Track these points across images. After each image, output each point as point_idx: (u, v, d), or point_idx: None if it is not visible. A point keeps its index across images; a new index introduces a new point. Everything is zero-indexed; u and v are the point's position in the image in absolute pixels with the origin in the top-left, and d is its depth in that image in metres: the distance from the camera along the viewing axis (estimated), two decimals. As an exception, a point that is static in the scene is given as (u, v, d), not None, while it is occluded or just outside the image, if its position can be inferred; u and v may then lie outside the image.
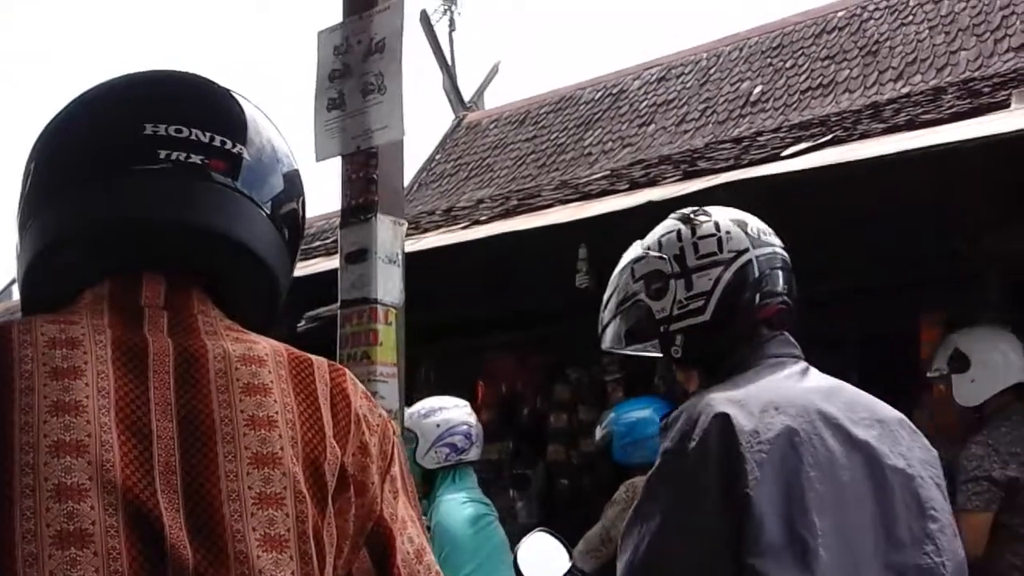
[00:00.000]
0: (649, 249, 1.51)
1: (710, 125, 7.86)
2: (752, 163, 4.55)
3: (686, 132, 7.97)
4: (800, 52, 7.98)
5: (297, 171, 0.95)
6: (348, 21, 1.95)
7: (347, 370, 0.93)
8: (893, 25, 7.50)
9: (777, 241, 1.51)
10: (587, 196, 5.37)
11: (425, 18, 10.75)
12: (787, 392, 1.36)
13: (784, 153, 4.47)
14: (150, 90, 0.91)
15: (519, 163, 9.26)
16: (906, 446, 1.39)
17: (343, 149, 1.96)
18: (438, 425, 2.78)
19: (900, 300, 4.23)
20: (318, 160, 2.00)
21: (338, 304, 2.10)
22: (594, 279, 4.22)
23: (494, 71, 11.19)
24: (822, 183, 3.78)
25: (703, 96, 8.31)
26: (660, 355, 1.54)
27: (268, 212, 0.90)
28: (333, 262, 5.34)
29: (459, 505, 2.82)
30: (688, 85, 8.59)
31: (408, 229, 6.60)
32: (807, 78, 7.63)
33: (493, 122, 10.28)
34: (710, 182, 3.89)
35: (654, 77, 9.04)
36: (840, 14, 7.99)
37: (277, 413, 0.82)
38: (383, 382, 1.79)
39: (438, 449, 2.80)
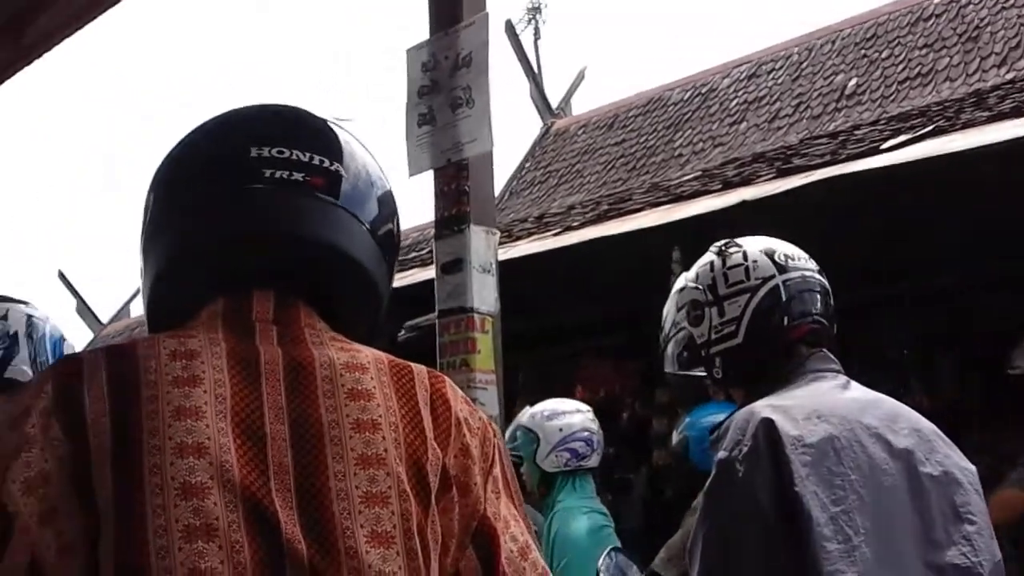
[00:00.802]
0: (688, 281, 1.65)
1: (804, 121, 7.70)
2: (850, 157, 4.44)
3: (779, 129, 7.82)
4: (896, 41, 7.73)
5: (391, 192, 1.00)
6: (435, 38, 2.01)
7: (446, 377, 0.96)
8: (994, 9, 7.20)
9: (809, 265, 1.60)
10: (679, 198, 5.32)
11: (510, 28, 10.84)
12: (829, 402, 1.46)
13: (884, 146, 4.35)
14: (254, 119, 0.98)
15: (609, 168, 9.24)
16: (943, 454, 1.49)
17: (434, 163, 2.01)
18: (560, 429, 2.79)
19: (1008, 296, 4.06)
20: (411, 175, 2.06)
21: (435, 314, 2.15)
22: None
23: (580, 77, 11.20)
24: (924, 175, 3.66)
25: (795, 91, 8.14)
26: (706, 377, 1.64)
27: (368, 227, 0.95)
28: (429, 272, 5.45)
29: (580, 514, 2.78)
30: (780, 81, 8.43)
31: (500, 237, 6.67)
32: (904, 68, 7.40)
33: (581, 128, 10.29)
34: (806, 179, 3.82)
35: (744, 74, 8.90)
36: (936, 1, 7.72)
37: (380, 417, 0.85)
38: (482, 389, 1.82)
39: (559, 453, 2.79)
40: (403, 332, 6.73)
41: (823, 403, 1.45)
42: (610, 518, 2.97)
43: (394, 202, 1.01)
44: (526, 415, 2.91)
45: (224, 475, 0.79)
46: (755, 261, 1.59)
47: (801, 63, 8.39)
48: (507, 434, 3.15)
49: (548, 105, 10.85)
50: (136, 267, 0.99)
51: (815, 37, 8.57)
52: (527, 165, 10.36)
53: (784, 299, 1.56)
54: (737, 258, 1.60)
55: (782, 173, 4.72)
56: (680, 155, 8.52)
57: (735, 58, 9.33)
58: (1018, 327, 3.76)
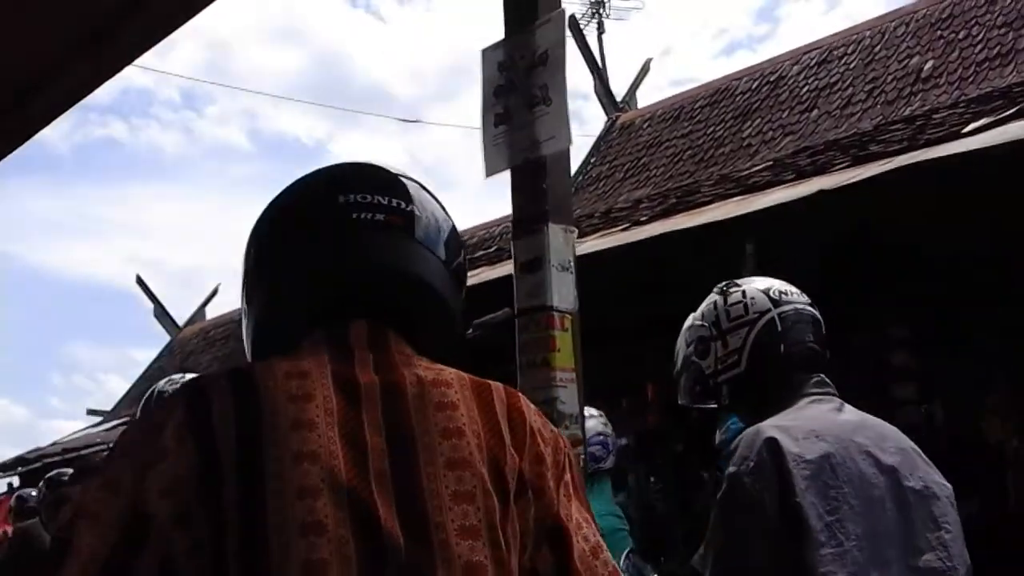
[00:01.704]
0: (695, 319, 1.85)
1: (878, 106, 7.50)
2: (929, 143, 4.31)
3: (852, 115, 7.64)
4: (973, 21, 7.48)
5: (456, 229, 1.15)
6: (511, 37, 2.00)
7: (521, 393, 1.07)
8: (1079, -18, 6.91)
9: (802, 299, 1.81)
10: (750, 189, 5.23)
11: (574, 23, 10.80)
12: (826, 423, 1.66)
13: (965, 130, 4.21)
14: (339, 172, 1.13)
15: (675, 160, 9.14)
16: (923, 471, 1.69)
17: (511, 162, 2.00)
18: None
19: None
20: (488, 175, 2.05)
21: (503, 311, 2.10)
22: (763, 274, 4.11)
23: (645, 69, 11.10)
24: (1009, 160, 3.53)
25: (868, 76, 7.93)
26: (716, 407, 1.84)
27: (443, 260, 1.09)
28: (497, 271, 5.46)
29: (598, 518, 2.84)
30: (852, 66, 8.22)
31: (568, 234, 6.66)
32: (983, 48, 7.15)
33: (647, 121, 10.19)
34: (883, 167, 3.71)
35: (814, 61, 8.71)
36: (1017, -24, 7.44)
37: (464, 425, 0.97)
38: (563, 387, 1.81)
39: None
40: (471, 330, 6.78)
41: (821, 424, 1.64)
42: (625, 521, 3.10)
43: (460, 238, 1.16)
44: None
45: (333, 479, 0.90)
46: (753, 298, 1.79)
47: (874, 47, 8.18)
48: None
49: (613, 99, 10.79)
50: (239, 308, 1.14)
51: (888, 20, 8.34)
52: (592, 160, 10.31)
53: (780, 330, 1.76)
54: (736, 296, 1.81)
55: (858, 160, 4.60)
56: (749, 145, 8.38)
57: (803, 44, 9.14)
58: None
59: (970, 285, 4.28)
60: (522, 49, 1.94)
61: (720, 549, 1.56)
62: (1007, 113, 4.25)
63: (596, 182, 9.89)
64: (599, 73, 10.78)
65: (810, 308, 1.82)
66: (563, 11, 1.92)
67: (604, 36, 11.43)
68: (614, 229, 5.85)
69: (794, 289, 1.84)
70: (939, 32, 7.67)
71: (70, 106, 3.03)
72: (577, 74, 10.64)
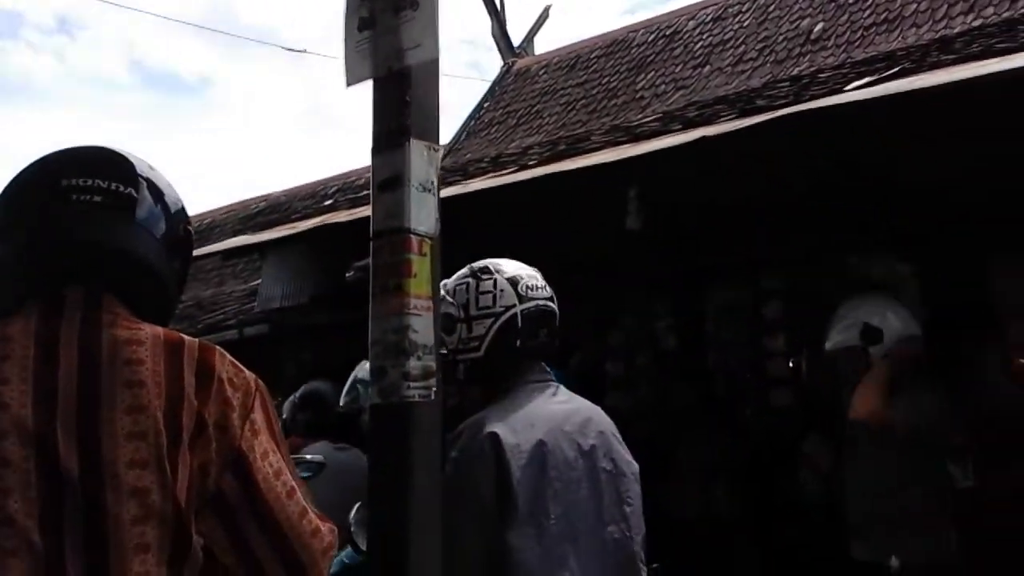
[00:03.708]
0: (447, 293, 2.00)
1: (768, 65, 7.57)
2: (813, 99, 4.32)
3: (743, 73, 7.69)
4: (864, -14, 7.60)
5: (182, 208, 1.38)
6: (377, -68, 1.82)
7: (217, 347, 1.28)
8: (964, -45, 7.08)
9: (543, 294, 2.03)
10: (638, 138, 5.18)
11: (473, -38, 10.50)
12: (540, 412, 1.92)
13: (847, 88, 4.23)
14: (66, 157, 1.31)
15: (569, 109, 9.05)
16: (617, 452, 1.99)
17: (374, 71, 1.83)
18: None
19: (969, 237, 4.00)
20: (348, 84, 1.88)
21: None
22: (645, 221, 4.07)
23: (544, 15, 10.93)
24: (887, 115, 3.56)
25: (761, 35, 7.99)
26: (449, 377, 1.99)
27: (157, 235, 1.31)
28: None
29: None
30: (746, 24, 8.27)
31: (456, 176, 6.48)
32: (871, 13, 7.28)
33: (543, 68, 10.06)
34: (768, 117, 3.69)
35: (710, 17, 8.73)
36: (907, -55, 7.58)
37: (147, 377, 1.19)
38: (417, 315, 1.67)
39: None
40: (351, 272, 6.57)
41: (536, 413, 1.91)
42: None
43: (184, 214, 1.39)
44: (363, 369, 3.07)
45: (21, 424, 1.13)
46: (502, 290, 1.99)
47: (768, 7, 8.24)
48: (346, 387, 3.13)
49: (510, 44, 10.59)
50: None
51: (783, -20, 8.40)
52: (486, 105, 10.12)
53: (520, 326, 1.98)
54: (488, 285, 2.00)
55: (744, 113, 4.59)
56: (642, 98, 8.36)
57: (701, 0, 9.14)
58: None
59: (837, 238, 4.35)
60: (387, -56, 1.77)
61: (445, 522, 1.65)
62: (890, 72, 4.30)
63: (488, 127, 9.73)
64: (497, 15, 10.55)
65: (550, 304, 2.04)
66: (433, -96, 1.75)
67: (504, -21, 11.12)
68: (502, 171, 5.73)
69: (540, 283, 2.04)
70: (831, -5, 7.77)
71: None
72: (475, 16, 10.38)
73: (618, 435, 2.04)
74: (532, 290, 2.01)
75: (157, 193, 1.33)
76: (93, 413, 1.14)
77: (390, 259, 1.71)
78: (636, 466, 2.02)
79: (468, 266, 2.06)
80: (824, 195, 4.24)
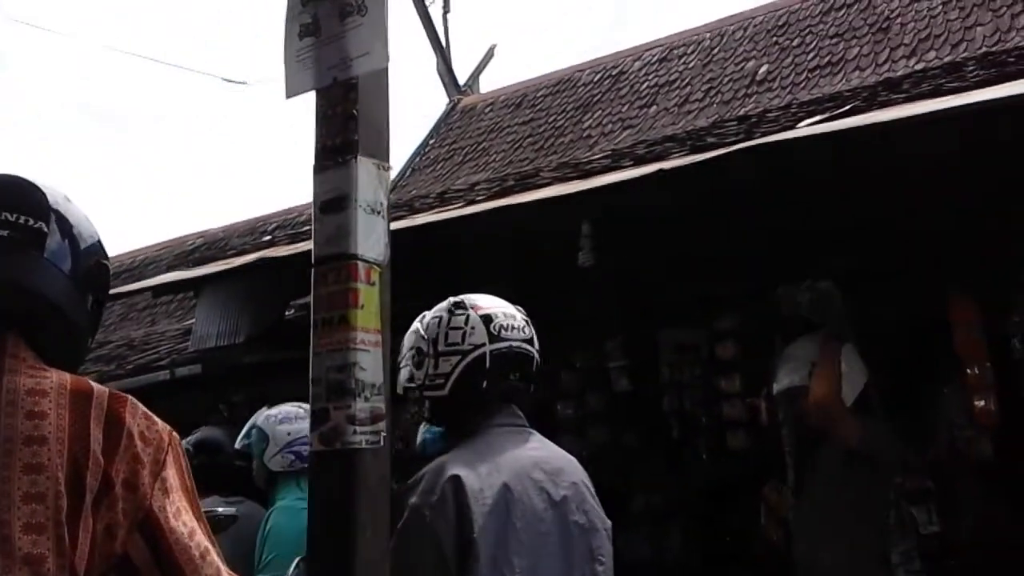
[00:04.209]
0: (421, 327, 1.94)
1: (714, 105, 7.59)
2: (765, 135, 4.27)
3: (689, 112, 7.70)
4: (807, 30, 7.70)
5: (98, 241, 1.28)
6: (322, -67, 1.66)
7: (129, 397, 1.18)
8: (904, 1, 7.22)
9: (519, 335, 1.93)
10: (589, 173, 5.08)
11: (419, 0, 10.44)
12: (507, 457, 1.81)
13: (801, 124, 4.19)
14: None
15: (516, 146, 8.98)
16: (590, 505, 1.87)
17: (317, 82, 1.66)
18: (289, 433, 2.95)
19: (927, 279, 3.94)
20: (288, 96, 1.71)
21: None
22: (598, 257, 3.94)
23: (490, 54, 10.90)
24: (840, 152, 3.50)
25: (706, 76, 8.03)
26: (415, 413, 1.98)
27: (66, 272, 1.21)
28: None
29: (297, 512, 2.68)
30: (691, 65, 8.32)
31: (401, 211, 6.30)
32: (815, 56, 7.36)
33: (489, 106, 9.99)
34: (728, 149, 3.60)
35: (655, 58, 8.76)
36: (848, -9, 7.71)
37: (49, 433, 1.10)
38: (364, 351, 1.49)
39: (285, 454, 2.94)
40: (291, 310, 6.31)
41: (503, 457, 1.80)
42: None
43: (101, 248, 1.29)
44: (262, 416, 3.05)
45: None
46: (473, 328, 1.89)
47: (713, 49, 8.30)
48: (244, 430, 3.15)
49: (456, 81, 10.52)
50: None
51: (727, 23, 8.50)
52: (431, 142, 10.00)
53: (488, 367, 1.87)
54: (459, 321, 1.90)
55: (696, 150, 4.52)
56: (589, 136, 8.32)
57: (647, 41, 9.18)
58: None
59: (789, 277, 4.27)
60: (334, -58, 1.61)
61: (396, 574, 1.55)
62: (842, 109, 4.27)
63: (434, 164, 9.60)
64: (443, 53, 10.48)
65: (526, 347, 1.94)
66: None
67: (450, 16, 11.07)
68: (449, 207, 5.57)
69: (519, 323, 1.94)
70: (775, 38, 7.86)
71: None
72: (420, 53, 10.30)
73: (591, 487, 1.92)
74: (506, 330, 1.92)
75: (68, 227, 1.24)
76: None
77: (334, 288, 1.54)
78: (609, 522, 1.90)
79: (449, 298, 1.98)
80: (777, 232, 4.17)
